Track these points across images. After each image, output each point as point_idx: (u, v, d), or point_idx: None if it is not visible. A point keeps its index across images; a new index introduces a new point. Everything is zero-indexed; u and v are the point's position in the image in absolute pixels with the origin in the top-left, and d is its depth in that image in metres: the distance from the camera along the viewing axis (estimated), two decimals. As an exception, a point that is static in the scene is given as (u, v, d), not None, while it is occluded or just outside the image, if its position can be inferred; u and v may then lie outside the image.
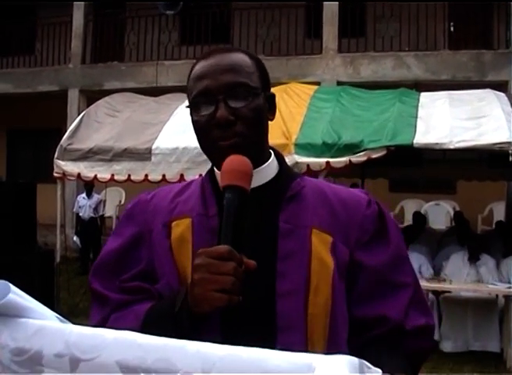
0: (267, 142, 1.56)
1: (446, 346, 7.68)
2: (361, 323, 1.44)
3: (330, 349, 1.38)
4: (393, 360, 1.39)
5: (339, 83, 13.06)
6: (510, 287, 7.47)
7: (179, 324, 1.31)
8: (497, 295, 7.87)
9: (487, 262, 8.08)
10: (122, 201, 15.38)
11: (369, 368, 0.83)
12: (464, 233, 8.70)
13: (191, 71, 1.51)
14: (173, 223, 1.51)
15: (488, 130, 7.37)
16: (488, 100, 8.32)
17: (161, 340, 0.91)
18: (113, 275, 1.51)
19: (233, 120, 1.42)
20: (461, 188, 14.87)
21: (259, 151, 1.50)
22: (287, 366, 0.82)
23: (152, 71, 14.77)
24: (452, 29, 14.56)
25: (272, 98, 1.56)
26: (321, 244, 1.43)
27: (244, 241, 1.29)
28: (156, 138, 8.36)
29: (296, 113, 8.29)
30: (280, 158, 1.59)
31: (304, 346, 1.37)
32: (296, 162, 7.45)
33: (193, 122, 1.48)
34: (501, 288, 7.57)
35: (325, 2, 13.97)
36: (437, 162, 10.00)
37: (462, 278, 7.97)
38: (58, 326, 0.98)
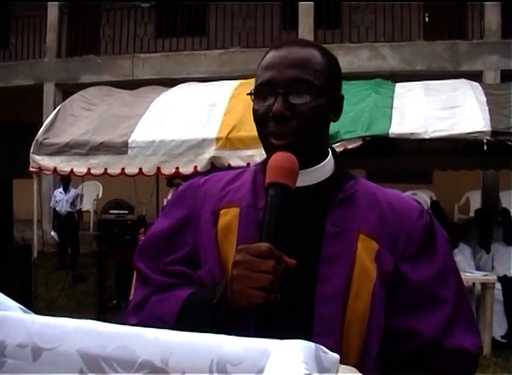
0: (324, 142, 1.53)
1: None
2: (395, 335, 1.41)
3: (363, 356, 1.38)
4: None
5: (316, 74, 13.06)
6: (486, 275, 7.55)
7: (216, 316, 1.32)
8: (474, 283, 7.95)
9: (464, 251, 8.15)
10: (100, 195, 15.29)
11: (325, 353, 0.85)
12: (441, 222, 8.73)
13: (262, 59, 1.49)
14: (222, 211, 1.50)
15: (462, 120, 7.41)
16: (462, 90, 8.37)
17: (120, 328, 0.92)
18: (158, 256, 1.51)
19: (289, 115, 1.39)
20: (437, 178, 14.96)
21: (313, 150, 1.47)
22: (244, 351, 0.83)
23: (128, 64, 14.69)
24: (427, 19, 14.62)
25: (339, 100, 1.51)
26: (366, 250, 1.41)
27: (286, 238, 1.28)
28: (132, 131, 8.30)
29: (272, 105, 8.28)
30: (336, 159, 1.56)
31: (338, 351, 1.34)
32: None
33: (253, 110, 1.46)
34: (478, 276, 7.66)
35: (300, -6, 13.99)
36: (413, 152, 10.05)
37: (439, 267, 8.03)
38: (21, 317, 0.98)
